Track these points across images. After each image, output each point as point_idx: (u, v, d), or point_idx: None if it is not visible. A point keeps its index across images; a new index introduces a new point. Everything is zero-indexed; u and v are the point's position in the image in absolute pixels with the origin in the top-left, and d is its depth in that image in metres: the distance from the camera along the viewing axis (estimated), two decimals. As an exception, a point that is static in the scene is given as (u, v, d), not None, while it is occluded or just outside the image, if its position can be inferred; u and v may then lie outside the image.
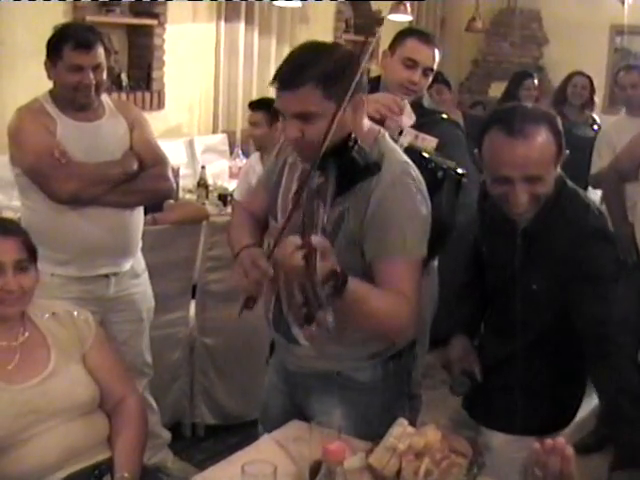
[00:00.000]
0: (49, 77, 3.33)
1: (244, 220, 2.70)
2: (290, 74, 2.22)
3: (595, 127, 6.65)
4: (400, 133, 2.97)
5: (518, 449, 2.61)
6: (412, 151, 2.79)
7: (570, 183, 2.56)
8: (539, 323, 2.55)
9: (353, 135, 2.27)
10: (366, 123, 2.42)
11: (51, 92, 3.37)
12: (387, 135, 2.48)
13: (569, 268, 2.42)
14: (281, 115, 2.31)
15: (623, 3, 9.32)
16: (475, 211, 3.01)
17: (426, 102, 3.56)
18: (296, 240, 2.02)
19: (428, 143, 2.98)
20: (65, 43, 3.23)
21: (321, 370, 2.53)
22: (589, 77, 6.77)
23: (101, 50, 3.30)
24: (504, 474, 2.58)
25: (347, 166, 2.26)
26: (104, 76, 3.35)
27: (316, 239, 2.01)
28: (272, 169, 2.61)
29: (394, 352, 2.55)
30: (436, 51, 3.40)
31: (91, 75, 3.26)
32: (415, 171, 2.42)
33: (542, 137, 2.37)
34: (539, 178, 2.39)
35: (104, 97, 3.46)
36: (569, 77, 6.85)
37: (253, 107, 5.15)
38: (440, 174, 2.76)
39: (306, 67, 2.20)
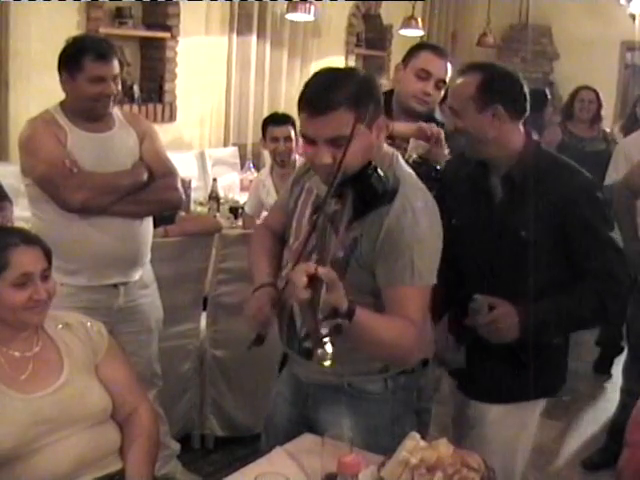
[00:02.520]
0: (64, 89, 3.35)
1: (264, 243, 2.73)
2: (321, 99, 2.21)
3: (606, 141, 6.67)
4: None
5: (513, 418, 2.83)
6: (421, 162, 2.82)
7: None
8: (524, 279, 2.64)
9: (373, 163, 2.28)
10: (383, 146, 2.43)
11: (62, 103, 3.39)
12: (400, 157, 2.48)
13: (558, 207, 2.63)
14: (308, 141, 2.29)
15: (634, 19, 9.35)
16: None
17: (438, 116, 3.58)
18: (308, 269, 2.01)
19: (440, 156, 3.00)
20: (85, 55, 3.24)
21: (333, 382, 2.54)
22: (595, 91, 6.79)
23: (117, 61, 3.33)
24: (500, 445, 2.78)
25: (365, 193, 2.27)
26: (119, 87, 3.39)
27: (323, 271, 1.99)
28: (289, 193, 2.64)
29: (406, 367, 2.55)
30: (449, 65, 3.43)
31: (112, 85, 3.30)
32: (428, 195, 2.42)
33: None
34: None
35: (115, 109, 3.48)
36: (576, 92, 6.88)
37: (281, 121, 5.10)
38: None
39: (335, 91, 2.21)
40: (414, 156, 2.94)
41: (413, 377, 2.59)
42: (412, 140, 3.08)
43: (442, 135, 3.14)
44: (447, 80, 3.44)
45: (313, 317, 1.94)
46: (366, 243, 2.32)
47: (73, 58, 3.28)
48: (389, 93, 3.54)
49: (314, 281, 1.97)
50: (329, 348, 1.91)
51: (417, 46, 3.56)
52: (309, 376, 2.59)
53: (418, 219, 2.32)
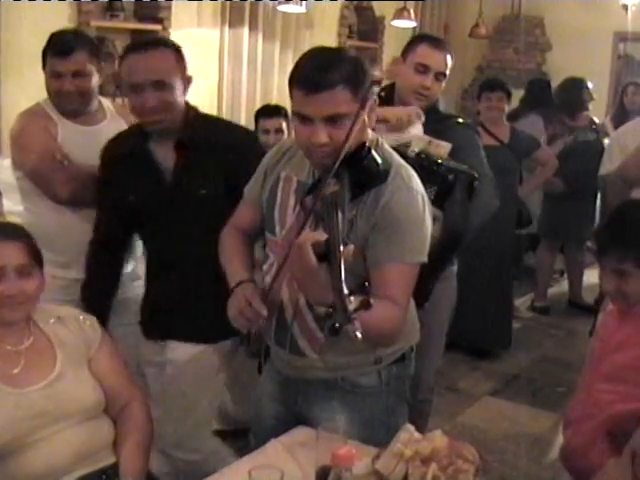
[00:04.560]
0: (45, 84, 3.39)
1: (236, 243, 2.70)
2: (319, 77, 2.19)
3: (596, 131, 6.71)
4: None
5: (200, 357, 3.08)
6: (423, 156, 2.82)
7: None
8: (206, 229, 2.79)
9: (367, 144, 2.29)
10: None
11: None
12: (384, 140, 2.47)
13: (228, 160, 2.94)
14: (303, 120, 2.26)
15: (627, 10, 9.35)
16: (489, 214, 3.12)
17: (441, 107, 3.57)
18: (319, 236, 2.00)
19: (441, 149, 2.99)
20: (49, 50, 3.29)
21: (325, 378, 2.53)
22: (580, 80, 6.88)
23: (83, 56, 3.31)
24: (189, 382, 3.08)
25: (361, 174, 2.27)
26: (91, 82, 3.37)
27: (346, 250, 1.96)
28: (261, 185, 2.60)
29: (398, 357, 2.56)
30: (448, 56, 3.40)
31: (70, 81, 3.29)
32: (416, 176, 2.42)
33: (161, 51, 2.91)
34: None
35: (105, 102, 3.49)
36: (562, 83, 6.96)
37: (272, 113, 5.08)
38: (451, 177, 2.80)
39: (333, 69, 2.19)
40: (416, 150, 2.93)
41: (404, 365, 2.60)
42: (417, 135, 3.07)
43: (413, 116, 3.20)
44: (447, 72, 3.42)
45: (338, 294, 1.88)
46: (362, 223, 2.32)
47: (43, 53, 3.33)
48: (390, 87, 3.53)
49: (329, 257, 1.95)
50: (358, 323, 1.86)
51: (415, 39, 3.53)
52: (299, 373, 2.57)
53: (412, 198, 2.33)
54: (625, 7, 9.37)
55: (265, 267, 2.56)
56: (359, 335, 1.86)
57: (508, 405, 5.21)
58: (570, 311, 7.13)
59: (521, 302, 7.12)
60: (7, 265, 2.41)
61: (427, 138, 3.01)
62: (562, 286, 7.50)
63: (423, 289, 2.77)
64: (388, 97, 3.45)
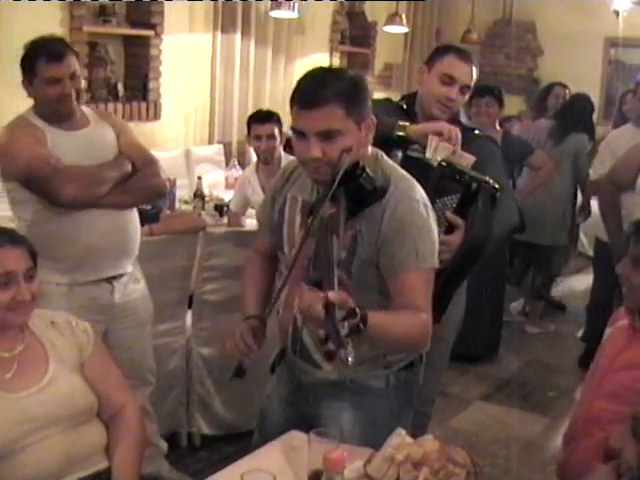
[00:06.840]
0: (29, 95, 3.37)
1: (255, 271, 2.80)
2: (314, 92, 2.29)
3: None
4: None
5: None
6: (446, 165, 2.84)
7: None
8: None
9: (361, 163, 2.34)
10: (369, 147, 2.49)
11: (34, 108, 3.41)
12: (384, 155, 2.54)
13: None
14: (298, 135, 2.35)
15: (618, 15, 9.40)
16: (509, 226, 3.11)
17: (463, 118, 3.55)
18: (321, 300, 2.03)
19: (464, 160, 3.00)
20: (38, 58, 3.27)
21: (335, 380, 2.59)
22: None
23: (74, 59, 3.33)
24: None
25: (356, 194, 2.34)
26: (82, 84, 3.39)
27: (332, 295, 2.01)
28: (271, 208, 2.68)
29: (407, 363, 2.62)
30: (474, 69, 3.35)
31: (69, 84, 3.29)
32: (417, 185, 2.48)
33: None
34: None
35: (84, 107, 3.50)
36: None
37: (264, 119, 5.09)
38: (474, 186, 2.82)
39: (327, 87, 2.29)
40: (439, 159, 2.94)
41: (413, 373, 2.66)
42: (434, 141, 3.05)
43: (459, 134, 3.09)
44: (472, 84, 3.39)
45: (331, 321, 1.96)
46: (366, 237, 2.39)
47: (28, 63, 3.31)
48: (412, 96, 3.52)
49: (325, 301, 2.00)
50: (351, 348, 1.94)
51: (442, 49, 3.47)
52: (312, 379, 2.64)
53: (415, 207, 2.40)
54: (616, 12, 9.42)
55: (280, 283, 2.62)
56: (350, 360, 1.93)
57: (499, 409, 5.22)
58: (561, 316, 7.14)
59: (512, 306, 7.13)
60: (18, 270, 2.42)
61: (452, 147, 3.01)
62: (554, 291, 7.51)
63: (442, 301, 2.82)
64: (409, 106, 3.44)
